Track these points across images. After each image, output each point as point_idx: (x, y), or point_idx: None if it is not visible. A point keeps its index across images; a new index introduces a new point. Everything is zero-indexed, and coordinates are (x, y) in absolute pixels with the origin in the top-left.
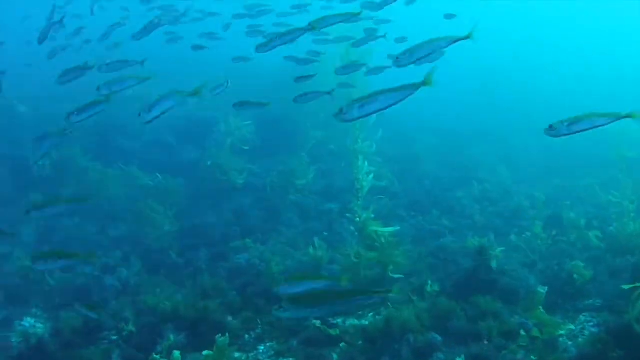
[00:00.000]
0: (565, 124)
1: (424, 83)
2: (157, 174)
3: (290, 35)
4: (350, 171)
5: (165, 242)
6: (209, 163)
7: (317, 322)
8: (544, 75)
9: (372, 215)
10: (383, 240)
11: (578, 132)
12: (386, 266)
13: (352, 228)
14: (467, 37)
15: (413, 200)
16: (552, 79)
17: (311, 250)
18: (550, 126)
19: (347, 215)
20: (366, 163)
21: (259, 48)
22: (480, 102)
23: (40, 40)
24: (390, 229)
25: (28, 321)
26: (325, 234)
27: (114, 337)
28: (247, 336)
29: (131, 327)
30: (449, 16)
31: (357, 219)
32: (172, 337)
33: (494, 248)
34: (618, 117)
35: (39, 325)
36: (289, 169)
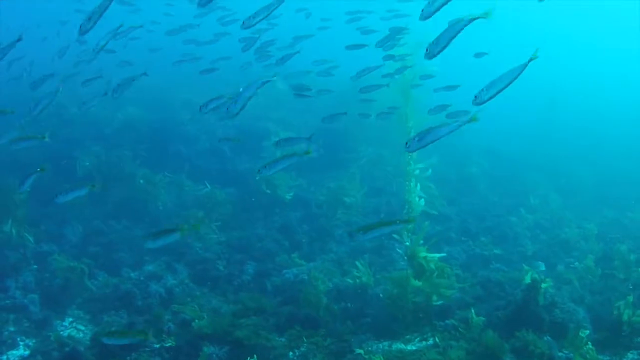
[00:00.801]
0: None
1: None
2: (206, 184)
3: None
4: (402, 191)
5: (212, 252)
6: (257, 177)
7: (361, 350)
8: (601, 104)
9: (421, 241)
10: (432, 266)
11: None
12: (431, 295)
13: (400, 251)
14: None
15: (464, 224)
16: (608, 110)
17: (355, 272)
18: (406, 143)
19: (396, 236)
20: (418, 186)
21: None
22: (534, 126)
23: (97, 51)
24: (437, 255)
25: (69, 322)
26: (367, 255)
27: (156, 346)
28: (291, 354)
29: (172, 338)
30: (479, 54)
31: (407, 242)
32: (213, 351)
33: (545, 280)
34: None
35: (79, 327)
36: (339, 186)
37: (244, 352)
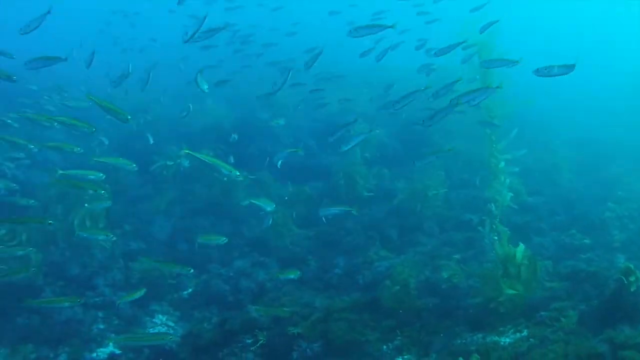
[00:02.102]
0: None
1: None
2: (289, 183)
3: None
4: (487, 184)
5: (302, 247)
6: (341, 174)
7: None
8: None
9: (508, 232)
10: (521, 258)
11: None
12: (522, 289)
13: (490, 243)
14: None
15: (552, 214)
16: None
17: (446, 265)
18: None
19: (482, 228)
20: (505, 178)
21: None
22: (621, 114)
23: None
24: (521, 249)
25: (159, 319)
26: (457, 247)
27: (249, 341)
28: (385, 347)
29: (264, 334)
30: None
31: (495, 237)
32: (306, 346)
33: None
34: None
35: (170, 323)
36: (424, 178)
37: (337, 346)
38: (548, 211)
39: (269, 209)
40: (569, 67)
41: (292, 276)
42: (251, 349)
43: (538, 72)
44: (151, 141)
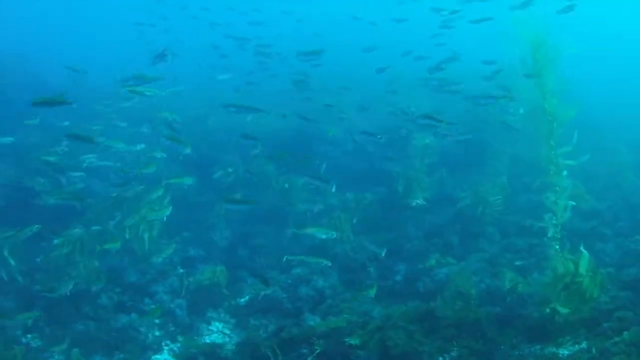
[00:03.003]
0: None
1: None
2: (347, 194)
3: None
4: (548, 187)
5: (362, 254)
6: (401, 180)
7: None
8: None
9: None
10: (584, 267)
11: None
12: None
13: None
14: None
15: (616, 219)
16: None
17: (506, 284)
18: None
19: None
20: (566, 182)
21: None
22: None
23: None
24: (585, 260)
25: (216, 326)
26: (519, 254)
27: (304, 350)
28: (441, 359)
29: (321, 342)
30: None
31: (557, 245)
32: (363, 355)
33: None
34: None
35: (225, 331)
36: (485, 183)
37: (394, 356)
38: (612, 216)
39: (323, 236)
40: None
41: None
42: (307, 358)
43: None
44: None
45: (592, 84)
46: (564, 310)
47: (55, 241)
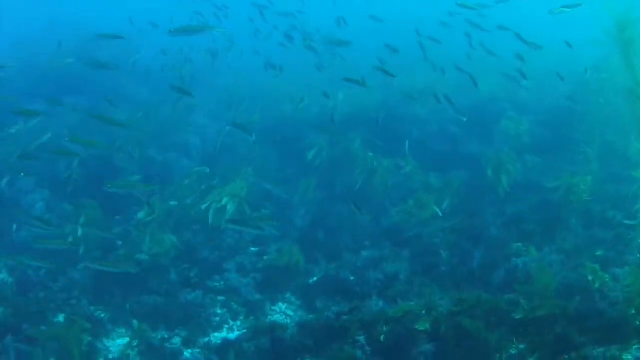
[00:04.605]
0: None
1: None
2: (431, 174)
3: None
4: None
5: (439, 239)
6: (490, 164)
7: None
8: None
9: None
10: None
11: None
12: None
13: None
14: None
15: None
16: None
17: (589, 277)
18: None
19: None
20: None
21: None
22: None
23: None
24: None
25: (279, 306)
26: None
27: (359, 338)
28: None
29: (384, 331)
30: None
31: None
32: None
33: None
34: None
35: (289, 312)
36: (574, 171)
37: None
38: None
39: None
40: None
41: None
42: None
43: None
44: None
45: None
46: None
47: (140, 214)
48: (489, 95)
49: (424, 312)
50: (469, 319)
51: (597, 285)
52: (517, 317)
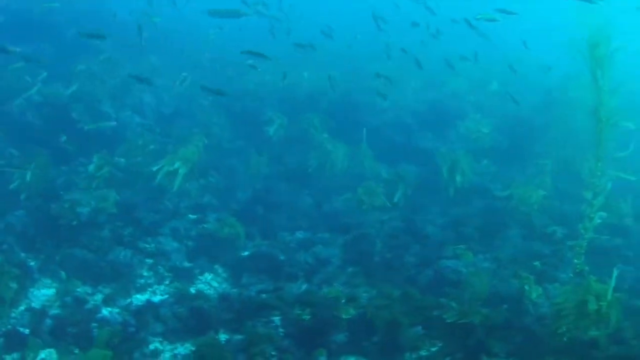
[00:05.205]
0: None
1: None
2: (383, 164)
3: None
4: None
5: (375, 230)
6: (446, 162)
7: None
8: None
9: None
10: (595, 293)
11: None
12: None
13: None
14: None
15: None
16: None
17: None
18: None
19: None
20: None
21: None
22: None
23: None
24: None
25: (206, 277)
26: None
27: (275, 318)
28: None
29: (301, 315)
30: None
31: (577, 261)
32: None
33: None
34: None
35: (213, 283)
36: (524, 182)
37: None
38: None
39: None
40: None
41: None
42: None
43: None
44: None
45: None
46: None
47: (90, 167)
48: (451, 91)
49: (345, 300)
50: (388, 313)
51: (533, 296)
52: (448, 320)
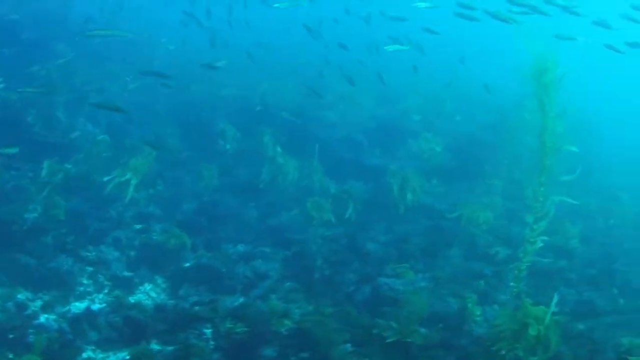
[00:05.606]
0: None
1: None
2: (331, 180)
3: None
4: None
5: (318, 246)
6: (397, 180)
7: None
8: None
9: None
10: (533, 317)
11: None
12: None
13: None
14: None
15: (588, 265)
16: None
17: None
18: None
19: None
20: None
21: None
22: None
23: None
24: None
25: (145, 287)
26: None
27: (207, 331)
28: None
29: (232, 328)
30: None
31: (513, 284)
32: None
33: None
34: None
35: (152, 294)
36: (474, 201)
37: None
38: (585, 261)
39: None
40: None
41: None
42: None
43: None
44: None
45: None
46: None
47: (43, 172)
48: (404, 109)
49: (279, 315)
50: (320, 329)
51: (472, 317)
52: (389, 339)
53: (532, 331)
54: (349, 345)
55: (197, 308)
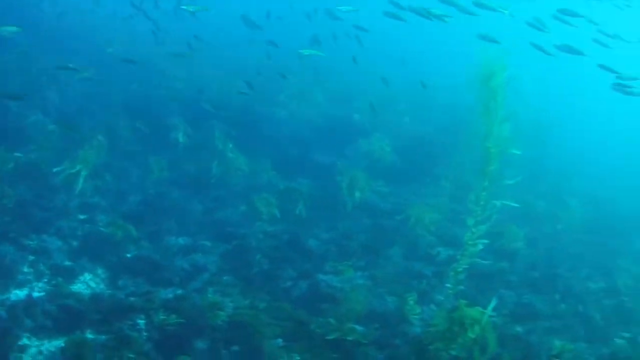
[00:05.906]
0: None
1: None
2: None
3: None
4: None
5: (258, 241)
6: (345, 178)
7: None
8: None
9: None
10: (470, 318)
11: None
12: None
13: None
14: None
15: (530, 268)
16: None
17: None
18: None
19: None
20: (484, 227)
21: None
22: None
23: None
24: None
25: (85, 277)
26: (416, 282)
27: (141, 322)
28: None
29: (166, 319)
30: None
31: (449, 285)
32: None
33: None
34: None
35: (91, 284)
36: (419, 200)
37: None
38: (528, 264)
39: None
40: None
41: None
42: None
43: None
44: None
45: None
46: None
47: None
48: (355, 108)
49: (213, 308)
50: (253, 323)
51: (414, 316)
52: (328, 337)
53: (471, 333)
54: (280, 339)
55: (132, 299)
